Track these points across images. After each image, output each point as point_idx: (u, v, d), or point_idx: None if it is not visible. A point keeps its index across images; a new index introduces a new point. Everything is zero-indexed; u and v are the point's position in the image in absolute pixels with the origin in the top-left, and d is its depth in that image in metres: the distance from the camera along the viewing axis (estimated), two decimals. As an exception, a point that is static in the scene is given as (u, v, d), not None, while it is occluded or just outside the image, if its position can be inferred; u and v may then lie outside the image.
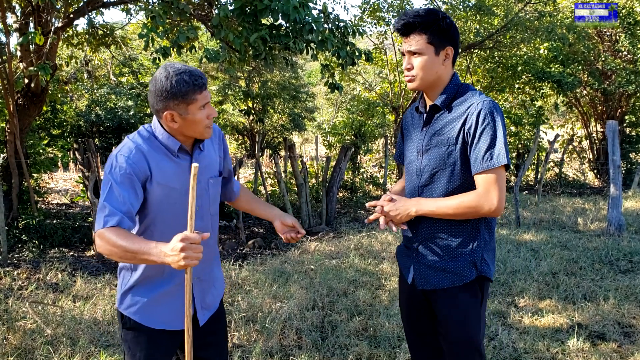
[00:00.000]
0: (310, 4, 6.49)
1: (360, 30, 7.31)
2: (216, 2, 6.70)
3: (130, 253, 1.94)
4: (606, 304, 4.94)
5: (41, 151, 9.09)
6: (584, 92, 14.97)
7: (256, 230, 8.84)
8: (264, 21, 6.22)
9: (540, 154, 13.93)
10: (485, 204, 2.19)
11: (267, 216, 2.61)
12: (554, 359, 3.95)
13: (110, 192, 2.07)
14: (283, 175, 10.73)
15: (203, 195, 2.29)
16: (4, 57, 7.16)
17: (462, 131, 2.27)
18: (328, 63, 7.70)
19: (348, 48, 6.92)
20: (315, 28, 6.08)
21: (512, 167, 13.73)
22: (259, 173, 9.28)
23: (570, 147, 15.57)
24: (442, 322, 2.42)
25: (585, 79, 14.23)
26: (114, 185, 2.08)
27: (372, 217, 2.46)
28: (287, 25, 6.20)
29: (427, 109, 2.42)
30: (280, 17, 5.88)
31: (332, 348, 4.12)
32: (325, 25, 6.79)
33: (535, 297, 5.18)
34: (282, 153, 14.61)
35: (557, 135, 11.60)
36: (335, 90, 7.57)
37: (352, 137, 12.37)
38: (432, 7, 2.46)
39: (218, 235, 2.49)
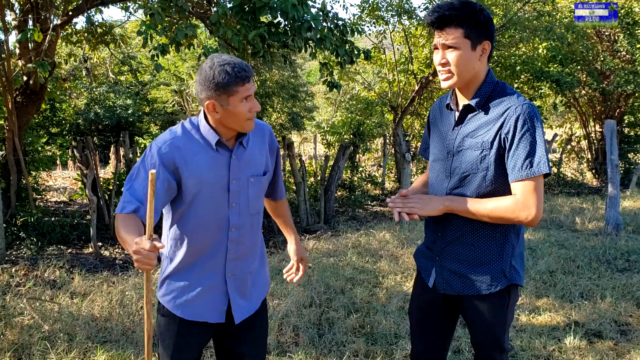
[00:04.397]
0: (310, 2, 6.51)
1: (359, 29, 7.30)
2: (215, 0, 6.71)
3: (121, 240, 2.01)
4: (603, 302, 4.95)
5: (39, 149, 9.09)
6: (583, 92, 14.98)
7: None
8: (262, 19, 6.23)
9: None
10: (523, 212, 2.08)
11: (286, 234, 2.77)
12: (550, 356, 3.96)
13: (136, 179, 2.15)
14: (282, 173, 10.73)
15: (241, 193, 2.27)
16: (3, 55, 7.16)
17: (498, 136, 2.15)
18: (327, 61, 7.71)
19: (347, 46, 6.93)
20: (314, 26, 6.08)
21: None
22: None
23: (569, 147, 15.59)
24: (469, 324, 2.41)
25: (584, 79, 14.24)
26: (142, 174, 2.15)
27: (394, 210, 2.32)
28: (286, 23, 6.20)
29: (460, 107, 2.30)
30: (278, 15, 5.88)
31: (329, 345, 4.13)
32: (324, 24, 6.79)
33: (532, 295, 5.19)
34: (281, 152, 14.64)
35: (555, 135, 11.60)
36: (334, 89, 7.57)
37: (351, 136, 12.37)
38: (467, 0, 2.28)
39: (258, 236, 2.49)
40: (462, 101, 2.31)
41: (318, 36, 6.21)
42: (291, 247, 2.70)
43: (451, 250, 2.34)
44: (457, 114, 2.32)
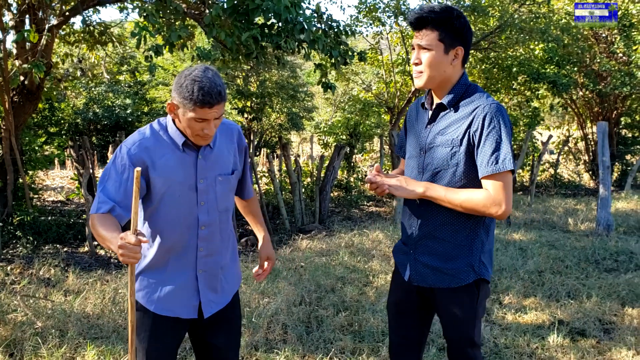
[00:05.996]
0: (304, 4, 6.58)
1: (353, 30, 7.37)
2: (209, 1, 6.77)
3: (101, 238, 2.08)
4: (589, 301, 5.01)
5: (37, 148, 9.16)
6: (580, 93, 15.05)
7: (249, 228, 8.90)
8: (256, 20, 6.29)
9: (535, 155, 14.00)
10: (493, 207, 2.19)
11: (256, 232, 2.80)
12: (533, 354, 4.02)
13: (108, 180, 2.22)
14: (278, 174, 10.82)
15: (209, 191, 2.34)
16: (0, 55, 7.23)
17: (467, 133, 2.26)
18: (322, 63, 7.78)
19: (341, 48, 7.00)
20: (306, 28, 6.14)
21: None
22: (254, 172, 9.35)
23: (566, 148, 15.65)
24: (441, 318, 2.49)
25: (581, 81, 14.30)
26: (114, 175, 2.22)
27: (367, 183, 2.42)
28: (279, 24, 6.27)
29: (434, 106, 2.41)
30: (271, 17, 5.95)
31: (316, 342, 4.19)
32: (318, 25, 6.86)
33: (520, 294, 5.25)
34: (277, 152, 14.72)
35: (550, 137, 11.66)
36: (329, 90, 7.65)
37: (348, 136, 12.44)
38: (449, 4, 2.47)
39: (229, 232, 2.57)
40: (437, 100, 2.41)
41: (311, 38, 6.28)
42: (260, 245, 2.75)
43: (424, 245, 2.43)
44: (430, 112, 2.43)
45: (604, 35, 14.27)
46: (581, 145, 16.21)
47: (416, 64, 2.33)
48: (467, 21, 2.30)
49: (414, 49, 2.35)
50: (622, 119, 15.32)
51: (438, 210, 2.36)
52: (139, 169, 1.94)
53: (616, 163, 14.98)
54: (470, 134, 2.25)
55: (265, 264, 2.74)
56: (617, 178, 14.94)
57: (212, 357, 2.52)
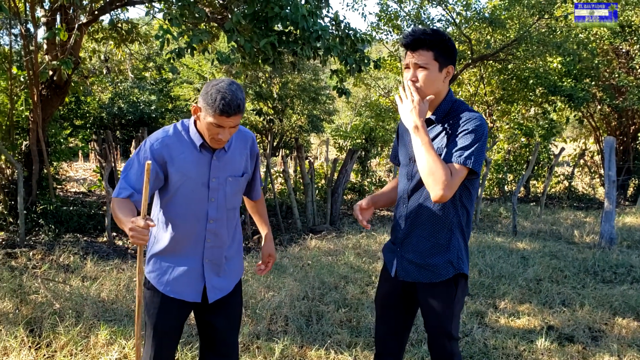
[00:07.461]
0: (324, 12, 6.84)
1: (369, 39, 7.61)
2: (232, 7, 7.05)
3: (118, 220, 2.37)
4: (581, 310, 5.19)
5: (62, 140, 9.51)
6: (598, 107, 15.11)
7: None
8: (275, 28, 6.56)
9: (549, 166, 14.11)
10: (444, 184, 2.35)
11: (260, 230, 3.09)
12: (520, 355, 4.23)
13: (131, 169, 2.52)
14: (293, 175, 11.08)
15: (219, 190, 2.62)
16: (31, 49, 7.59)
17: (449, 137, 2.49)
18: (337, 69, 8.03)
19: (357, 55, 7.24)
20: (322, 36, 6.40)
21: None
22: (269, 173, 9.62)
23: (582, 161, 15.71)
24: (422, 311, 2.72)
25: (600, 95, 14.36)
26: (136, 165, 2.52)
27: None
28: (296, 32, 6.53)
29: None
30: (289, 25, 6.21)
31: (314, 335, 4.44)
32: (335, 33, 7.12)
33: (515, 300, 5.44)
34: (294, 153, 15.00)
35: (562, 149, 11.78)
36: (344, 95, 7.90)
37: (363, 140, 12.66)
38: (437, 28, 2.76)
39: (236, 228, 2.87)
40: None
41: (326, 45, 6.53)
42: (263, 243, 3.03)
43: (409, 243, 2.68)
44: None
45: (624, 50, 14.32)
46: (597, 158, 16.25)
47: (413, 81, 2.55)
48: (454, 43, 2.56)
49: (407, 67, 2.57)
50: (639, 134, 15.33)
51: (422, 214, 2.61)
52: (149, 162, 2.23)
53: (632, 178, 15.02)
54: (451, 137, 2.49)
55: (268, 260, 3.02)
56: (632, 193, 14.98)
57: (213, 338, 2.79)
